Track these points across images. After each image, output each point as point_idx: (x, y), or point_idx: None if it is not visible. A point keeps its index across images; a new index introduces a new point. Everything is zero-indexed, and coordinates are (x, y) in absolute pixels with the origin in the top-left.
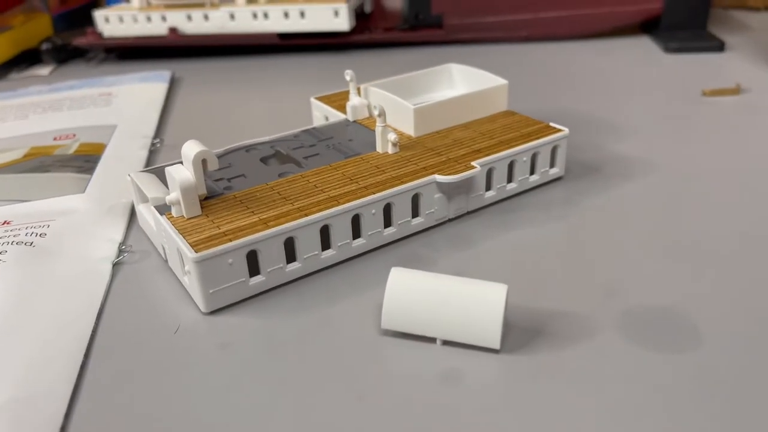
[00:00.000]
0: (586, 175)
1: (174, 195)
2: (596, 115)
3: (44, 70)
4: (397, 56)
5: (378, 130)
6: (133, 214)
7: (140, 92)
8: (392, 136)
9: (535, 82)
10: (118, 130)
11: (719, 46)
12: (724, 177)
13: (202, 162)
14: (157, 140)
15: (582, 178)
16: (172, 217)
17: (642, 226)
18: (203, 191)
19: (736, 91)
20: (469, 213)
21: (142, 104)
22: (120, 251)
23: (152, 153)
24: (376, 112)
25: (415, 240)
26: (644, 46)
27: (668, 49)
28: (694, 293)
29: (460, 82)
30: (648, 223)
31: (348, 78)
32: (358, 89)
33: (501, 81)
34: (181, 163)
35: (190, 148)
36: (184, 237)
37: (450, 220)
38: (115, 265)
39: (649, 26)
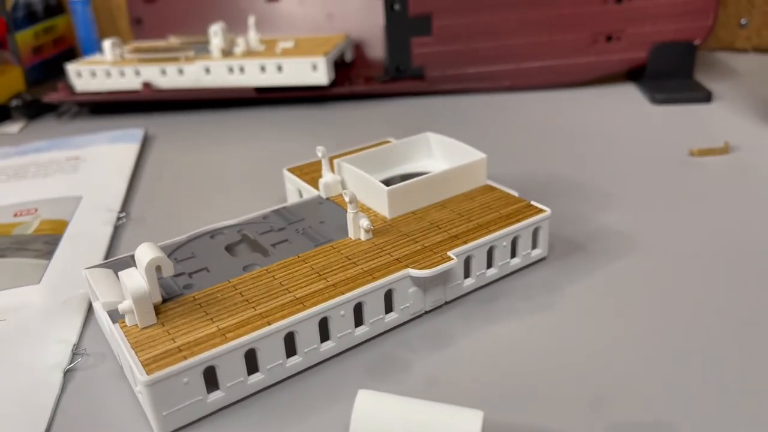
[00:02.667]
0: (569, 253)
1: (127, 304)
2: (580, 178)
3: (14, 128)
4: (378, 108)
5: (349, 216)
6: (90, 307)
7: (110, 155)
8: (365, 223)
9: (517, 137)
10: (82, 203)
11: (707, 97)
12: (717, 255)
13: (156, 269)
14: (123, 214)
15: (566, 257)
16: (125, 326)
17: (631, 318)
18: (158, 299)
19: (725, 150)
20: (447, 303)
21: (110, 170)
22: (73, 355)
23: (117, 229)
24: (347, 198)
25: (390, 337)
26: (631, 96)
27: (655, 101)
28: (697, 405)
29: (438, 151)
30: (637, 316)
31: (320, 154)
32: (332, 165)
33: (479, 155)
34: (137, 261)
35: (144, 254)
36: (136, 352)
37: (427, 312)
38: (67, 373)
39: (635, 74)
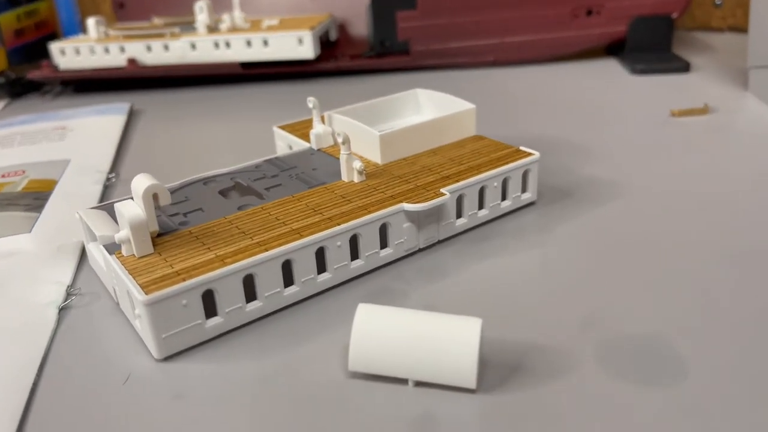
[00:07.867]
0: (558, 200)
1: (124, 233)
2: (565, 138)
3: None
4: (364, 83)
5: (342, 158)
6: (83, 253)
7: (97, 125)
8: (358, 164)
9: (503, 107)
10: (70, 165)
11: (685, 67)
12: (696, 198)
13: (153, 197)
14: (112, 175)
15: (554, 203)
16: (122, 256)
17: (617, 252)
18: (155, 228)
19: (705, 110)
20: (440, 242)
21: (97, 138)
22: (67, 294)
23: (107, 188)
24: (340, 140)
25: (385, 272)
26: (611, 68)
27: (635, 71)
28: (676, 320)
29: (427, 107)
30: (622, 249)
31: (311, 105)
32: (322, 117)
33: (468, 105)
34: (132, 198)
35: (140, 183)
36: (134, 277)
37: (420, 249)
38: (62, 310)
39: (615, 49)
